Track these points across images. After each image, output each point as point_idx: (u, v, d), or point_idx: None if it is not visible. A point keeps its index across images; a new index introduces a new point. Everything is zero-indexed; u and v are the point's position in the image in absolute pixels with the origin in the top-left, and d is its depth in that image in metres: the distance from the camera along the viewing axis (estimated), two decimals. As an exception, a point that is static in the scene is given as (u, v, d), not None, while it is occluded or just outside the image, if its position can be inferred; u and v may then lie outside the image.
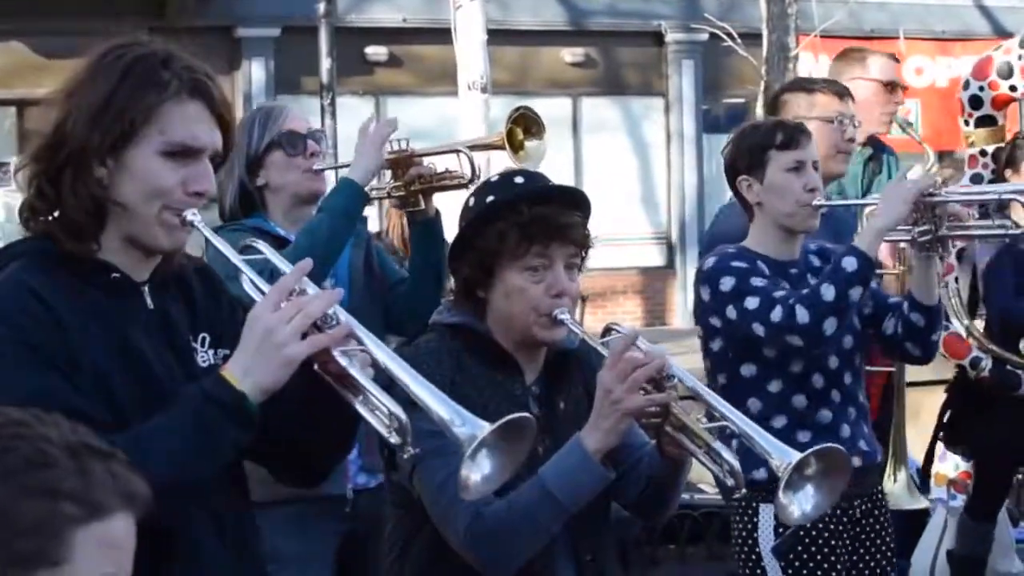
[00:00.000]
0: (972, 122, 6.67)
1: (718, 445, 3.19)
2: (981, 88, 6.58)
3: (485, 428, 2.58)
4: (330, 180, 4.76)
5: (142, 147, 2.66)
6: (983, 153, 6.64)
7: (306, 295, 2.66)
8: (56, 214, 2.68)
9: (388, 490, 3.57)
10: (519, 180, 3.43)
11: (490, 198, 3.38)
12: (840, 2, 17.70)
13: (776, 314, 4.28)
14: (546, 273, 3.32)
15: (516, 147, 4.71)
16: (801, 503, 3.15)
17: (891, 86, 6.10)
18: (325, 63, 15.13)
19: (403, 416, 2.59)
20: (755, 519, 4.40)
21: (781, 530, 4.35)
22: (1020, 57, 6.48)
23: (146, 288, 2.75)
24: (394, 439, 2.61)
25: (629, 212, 19.75)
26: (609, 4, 19.82)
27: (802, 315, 4.25)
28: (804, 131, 4.55)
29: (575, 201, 3.42)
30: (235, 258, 2.81)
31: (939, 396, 6.98)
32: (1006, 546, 7.23)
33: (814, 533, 4.37)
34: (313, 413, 2.75)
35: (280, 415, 2.71)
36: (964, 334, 6.55)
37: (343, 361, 2.62)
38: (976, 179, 6.69)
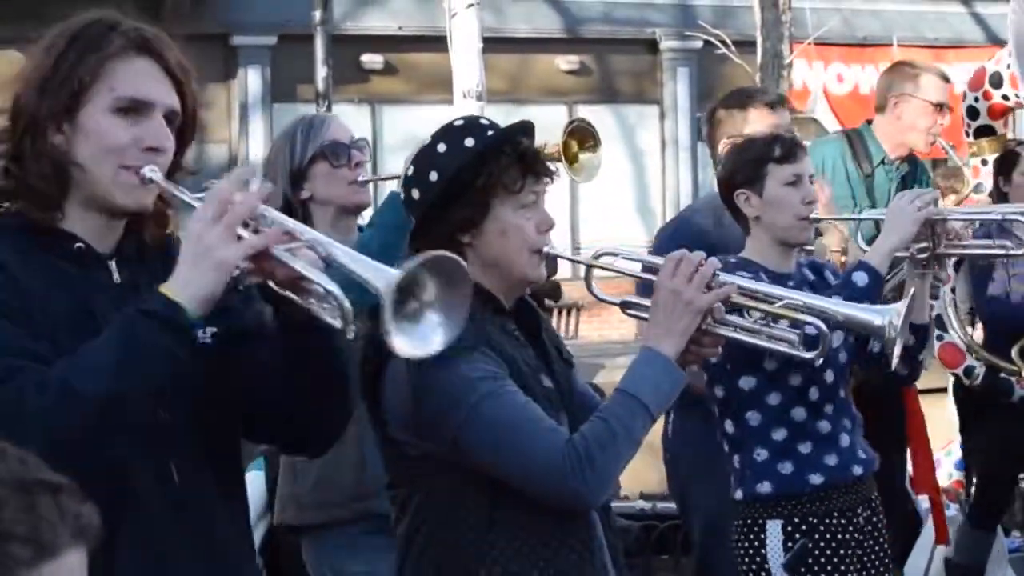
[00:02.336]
0: (971, 133, 6.70)
1: (780, 306, 3.30)
2: (976, 99, 6.61)
3: (415, 260, 2.53)
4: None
5: (93, 106, 2.67)
6: (984, 163, 6.67)
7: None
8: (22, 187, 2.68)
9: (394, 468, 3.39)
10: (484, 123, 3.40)
11: (469, 141, 3.31)
12: (834, 10, 17.74)
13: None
14: (536, 210, 3.32)
15: (571, 160, 4.66)
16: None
17: (940, 107, 6.07)
18: (321, 71, 15.14)
19: (338, 292, 2.51)
20: (762, 536, 4.39)
21: (790, 545, 4.36)
22: (1009, 66, 6.52)
23: (113, 262, 2.74)
24: (338, 323, 2.53)
25: (624, 219, 19.77)
26: (604, 12, 19.85)
27: (810, 329, 4.27)
28: (801, 145, 4.57)
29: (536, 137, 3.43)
30: (195, 199, 2.69)
31: (933, 405, 7.00)
32: (999, 556, 7.24)
33: (823, 544, 4.36)
34: (296, 366, 2.73)
35: (266, 379, 2.73)
36: (961, 344, 6.56)
37: (284, 257, 2.55)
38: (978, 190, 6.72)
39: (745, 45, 15.73)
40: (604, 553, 3.36)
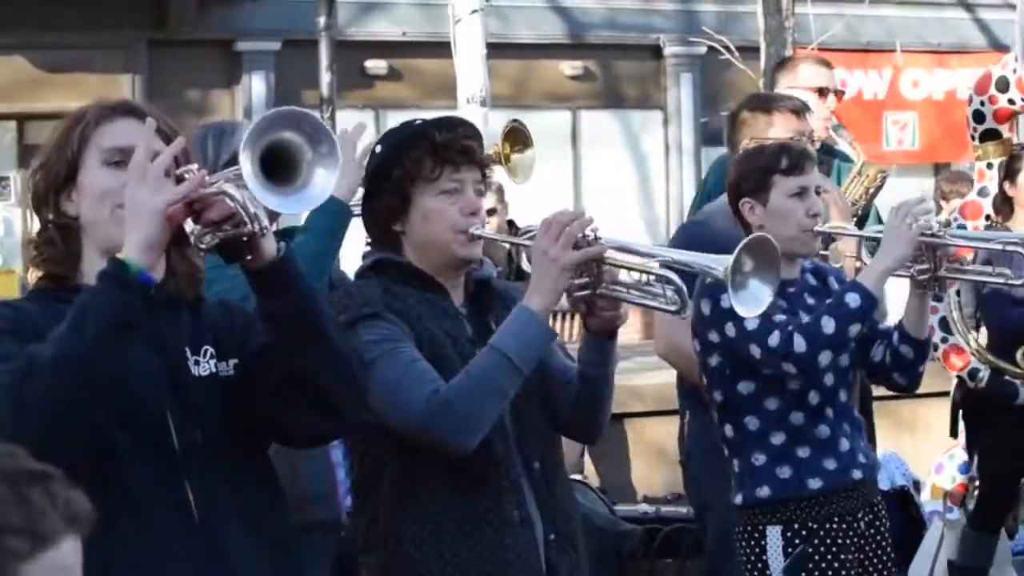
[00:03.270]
0: (977, 136, 6.71)
1: (661, 270, 3.44)
2: (982, 103, 6.63)
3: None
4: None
5: (87, 167, 2.96)
6: (990, 167, 6.68)
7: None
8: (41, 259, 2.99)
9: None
10: (415, 122, 3.74)
11: (394, 137, 3.70)
12: (837, 15, 17.73)
13: (774, 339, 4.30)
14: (459, 196, 3.61)
15: (505, 160, 4.73)
16: (753, 296, 3.49)
17: (822, 91, 6.11)
18: (325, 77, 15.17)
19: (249, 200, 2.75)
20: (763, 542, 4.41)
21: (790, 550, 4.37)
22: (1015, 71, 6.53)
23: None
24: (255, 227, 2.77)
25: (628, 224, 19.74)
26: (608, 18, 19.84)
27: (799, 344, 4.28)
28: (809, 156, 4.58)
29: (473, 131, 3.72)
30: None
31: (937, 408, 7.01)
32: (1003, 558, 7.25)
33: (823, 549, 4.38)
34: (282, 331, 2.88)
35: (262, 359, 2.91)
36: (965, 346, 6.57)
37: (211, 189, 2.79)
38: (983, 193, 6.73)
39: (749, 51, 15.73)
40: (528, 513, 3.59)
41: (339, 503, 4.48)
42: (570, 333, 18.35)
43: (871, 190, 5.96)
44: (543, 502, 3.62)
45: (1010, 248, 4.50)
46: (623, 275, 3.53)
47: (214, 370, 2.98)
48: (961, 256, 4.51)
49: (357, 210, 4.58)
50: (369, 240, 3.77)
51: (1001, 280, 4.54)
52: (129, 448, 2.81)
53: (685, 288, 3.42)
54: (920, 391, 4.99)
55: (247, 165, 2.73)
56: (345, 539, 4.51)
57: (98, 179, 2.94)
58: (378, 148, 3.74)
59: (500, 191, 10.14)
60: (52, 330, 2.74)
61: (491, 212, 10.03)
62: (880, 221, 5.65)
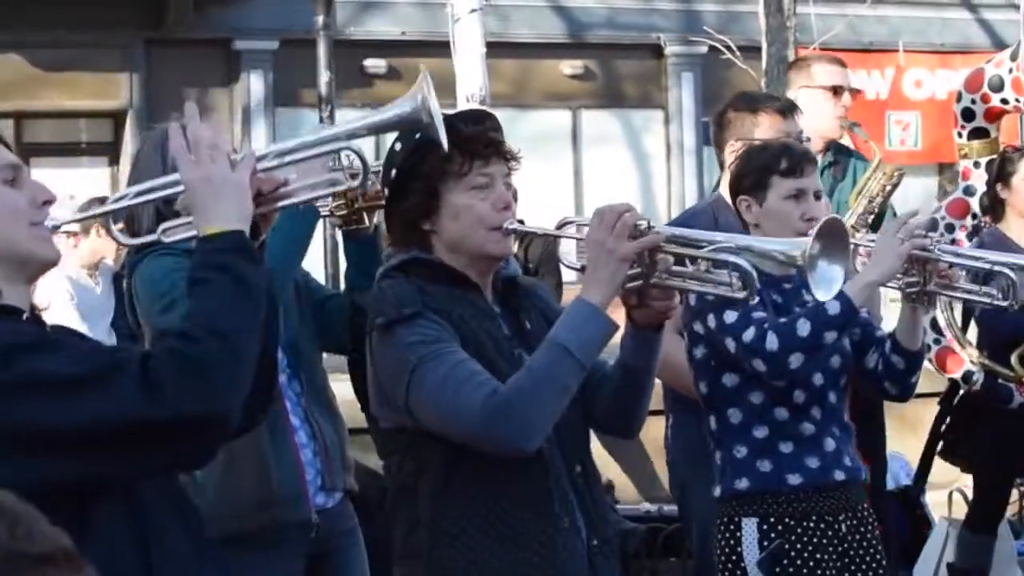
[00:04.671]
0: (965, 134, 6.68)
1: (723, 255, 3.37)
2: (973, 101, 6.59)
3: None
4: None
5: None
6: (976, 165, 6.65)
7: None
8: None
9: (379, 444, 3.63)
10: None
11: (417, 135, 3.48)
12: (839, 15, 17.73)
13: (748, 335, 4.30)
14: (490, 191, 3.48)
15: None
16: (825, 278, 3.52)
17: (836, 90, 6.12)
18: (324, 76, 15.13)
19: (352, 149, 2.96)
20: (738, 534, 4.40)
21: (765, 543, 4.35)
22: (1011, 71, 6.50)
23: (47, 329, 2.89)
24: (353, 182, 3.04)
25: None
26: (608, 17, 19.84)
27: (771, 342, 4.27)
28: (810, 159, 4.56)
29: (497, 124, 3.61)
30: (108, 207, 3.04)
31: (929, 408, 7.00)
32: (1008, 559, 7.23)
33: (799, 546, 4.37)
34: None
35: None
36: (959, 349, 6.56)
37: (271, 163, 2.93)
38: (969, 191, 6.70)
39: (750, 50, 15.75)
40: (575, 517, 3.51)
41: (310, 503, 4.45)
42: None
43: (887, 188, 5.96)
44: (586, 506, 3.54)
45: (997, 269, 4.49)
46: (676, 264, 3.46)
47: None
48: (951, 272, 4.47)
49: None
50: (392, 240, 3.64)
51: (987, 300, 4.53)
52: None
53: (754, 273, 3.36)
54: (925, 391, 4.98)
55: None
56: (316, 539, 4.48)
57: (6, 200, 2.81)
58: (398, 145, 3.57)
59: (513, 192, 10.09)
60: None
61: None
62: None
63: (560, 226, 3.66)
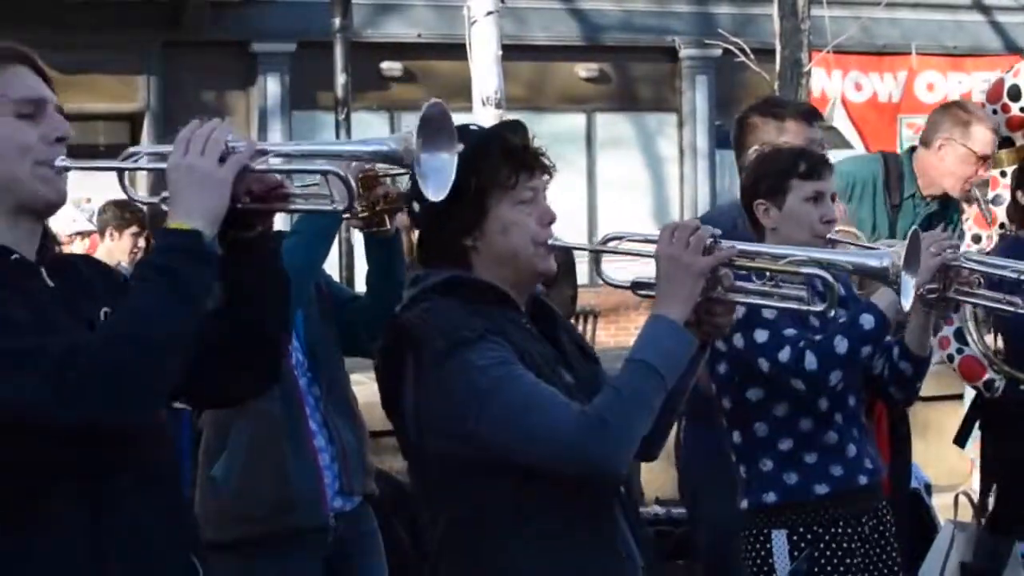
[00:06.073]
0: None
1: (812, 269, 3.32)
2: (995, 111, 6.61)
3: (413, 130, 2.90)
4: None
5: None
6: (1003, 175, 6.67)
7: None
8: None
9: (413, 478, 3.45)
10: (472, 127, 3.44)
11: (459, 144, 3.25)
12: (853, 18, 17.72)
13: (784, 355, 4.29)
14: (535, 205, 3.33)
15: None
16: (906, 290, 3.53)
17: (984, 159, 6.10)
18: (340, 78, 15.17)
19: (337, 169, 2.85)
20: (768, 546, 4.41)
21: (795, 554, 4.38)
22: None
23: (42, 269, 2.85)
24: (341, 205, 2.91)
25: (642, 227, 19.74)
26: (623, 20, 19.85)
27: (810, 362, 4.27)
28: (827, 163, 4.56)
29: (532, 135, 3.42)
30: (119, 163, 2.93)
31: (948, 411, 7.00)
32: (1015, 560, 7.24)
33: (828, 553, 4.38)
34: (245, 292, 2.94)
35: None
36: (980, 356, 6.57)
37: (270, 163, 2.88)
38: (997, 201, 6.72)
39: (764, 53, 15.74)
40: (630, 546, 3.41)
41: (327, 508, 4.47)
42: (587, 335, 18.39)
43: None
44: (634, 530, 3.44)
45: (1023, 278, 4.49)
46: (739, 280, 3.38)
47: None
48: (972, 279, 4.49)
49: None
50: (425, 256, 3.42)
51: (1011, 308, 4.52)
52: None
53: (838, 285, 3.33)
54: (931, 394, 5.00)
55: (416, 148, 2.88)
56: (334, 543, 4.50)
57: (12, 132, 2.80)
58: None
59: None
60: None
61: None
62: None
63: (604, 242, 3.52)
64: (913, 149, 6.34)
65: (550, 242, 3.34)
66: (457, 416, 3.15)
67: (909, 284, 3.50)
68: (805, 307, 3.35)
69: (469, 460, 3.19)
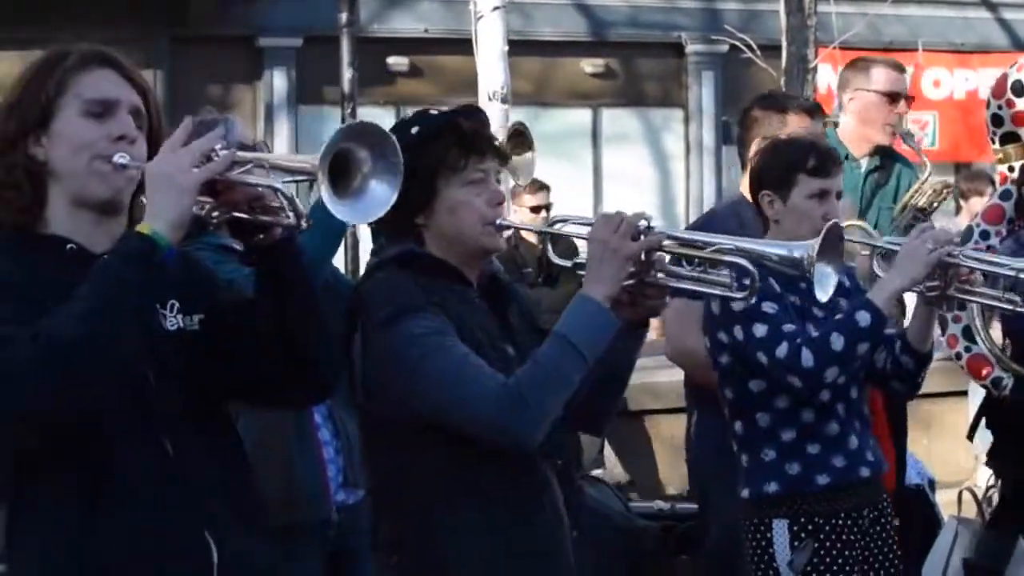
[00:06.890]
0: (998, 140, 6.70)
1: (733, 257, 3.46)
2: (1000, 107, 6.61)
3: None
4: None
5: (64, 114, 2.91)
6: (1011, 170, 6.67)
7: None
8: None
9: (364, 435, 3.66)
10: (432, 112, 3.67)
11: (414, 128, 3.55)
12: (859, 14, 17.69)
13: (782, 350, 4.31)
14: (484, 186, 3.55)
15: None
16: (824, 278, 3.58)
17: (893, 96, 6.11)
18: (347, 73, 15.15)
19: (285, 189, 2.90)
20: (768, 535, 4.44)
21: (796, 543, 4.39)
22: None
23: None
24: (302, 223, 2.93)
25: (648, 222, 19.73)
26: (629, 15, 19.84)
27: (807, 359, 4.30)
28: (836, 160, 4.57)
29: (488, 119, 3.68)
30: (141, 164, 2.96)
31: (952, 407, 7.00)
32: (1019, 557, 7.25)
33: (828, 544, 4.41)
34: (279, 299, 2.97)
35: (259, 342, 2.95)
36: (987, 354, 6.57)
37: (239, 177, 2.87)
38: (1005, 195, 6.72)
39: (770, 49, 15.72)
40: (558, 509, 3.57)
41: (330, 502, 4.48)
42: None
43: (935, 204, 5.95)
44: (567, 497, 3.62)
45: (1023, 277, 4.50)
46: (673, 264, 3.55)
47: (181, 325, 3.00)
48: (972, 277, 4.49)
49: None
50: (383, 234, 3.72)
51: (1010, 307, 4.53)
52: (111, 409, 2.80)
53: (756, 273, 3.45)
54: (935, 390, 5.02)
55: (322, 177, 2.80)
56: (337, 536, 4.53)
57: (77, 129, 2.91)
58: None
59: (547, 189, 10.17)
60: (29, 286, 2.74)
61: (538, 209, 10.11)
62: None
63: (552, 224, 3.73)
64: (837, 124, 6.37)
65: (498, 222, 3.54)
66: (393, 380, 3.36)
67: (827, 275, 3.59)
68: (728, 294, 3.54)
69: (404, 421, 3.42)
